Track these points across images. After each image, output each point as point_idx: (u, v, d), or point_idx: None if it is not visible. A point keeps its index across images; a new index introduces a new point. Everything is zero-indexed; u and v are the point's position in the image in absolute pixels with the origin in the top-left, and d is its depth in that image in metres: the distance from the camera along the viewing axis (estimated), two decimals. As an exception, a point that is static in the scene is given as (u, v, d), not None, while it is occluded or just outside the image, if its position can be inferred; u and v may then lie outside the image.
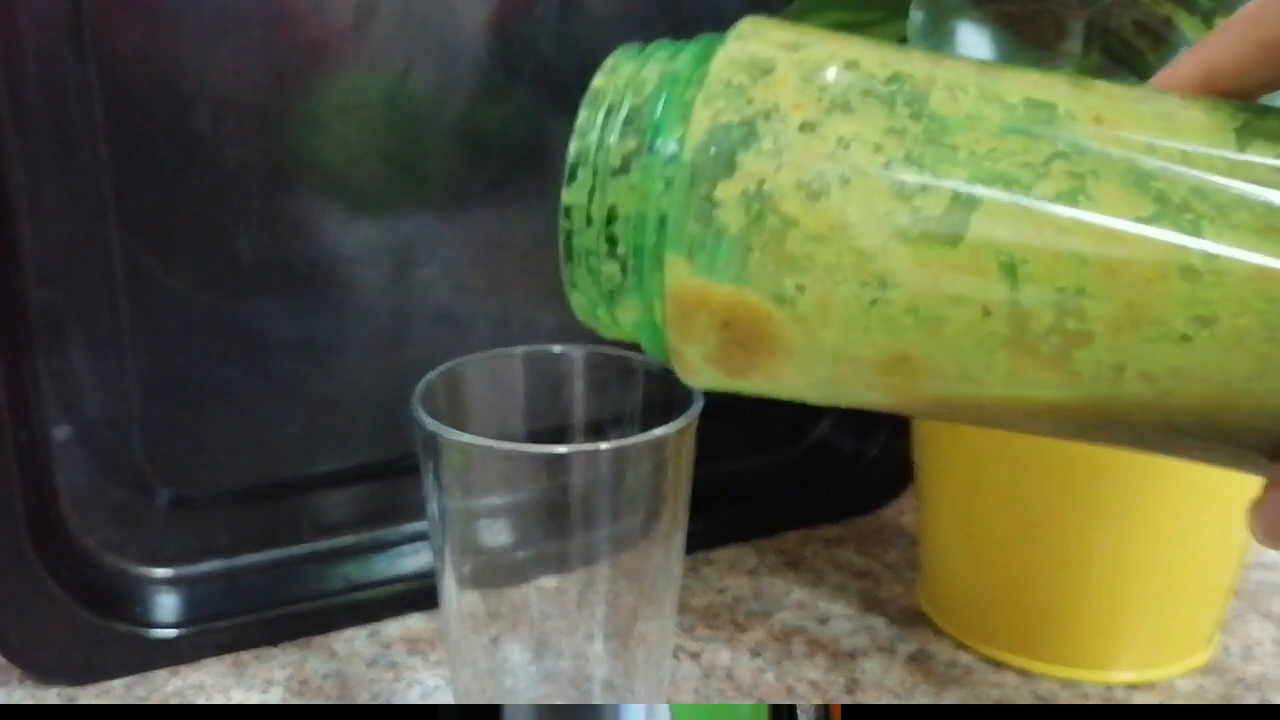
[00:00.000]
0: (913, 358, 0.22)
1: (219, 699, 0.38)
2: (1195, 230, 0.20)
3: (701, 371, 0.24)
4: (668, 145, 0.22)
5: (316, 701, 0.38)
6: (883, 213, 0.21)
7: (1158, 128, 0.21)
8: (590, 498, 0.31)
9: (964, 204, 0.21)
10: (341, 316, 0.42)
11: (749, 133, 0.21)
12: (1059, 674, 0.40)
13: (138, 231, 0.39)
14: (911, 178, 0.21)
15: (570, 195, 0.23)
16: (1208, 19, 0.30)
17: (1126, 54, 0.30)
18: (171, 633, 0.40)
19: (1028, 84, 0.22)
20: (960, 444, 0.40)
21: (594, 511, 0.31)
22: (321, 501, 0.44)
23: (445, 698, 0.39)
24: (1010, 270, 0.20)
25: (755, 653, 0.41)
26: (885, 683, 0.40)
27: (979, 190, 0.21)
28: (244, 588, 0.43)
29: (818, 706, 0.31)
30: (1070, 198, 0.20)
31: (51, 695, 0.39)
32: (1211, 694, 0.39)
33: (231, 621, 0.41)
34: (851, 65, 0.22)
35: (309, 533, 0.44)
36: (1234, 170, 0.20)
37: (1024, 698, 0.39)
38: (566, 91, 0.41)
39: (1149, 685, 0.40)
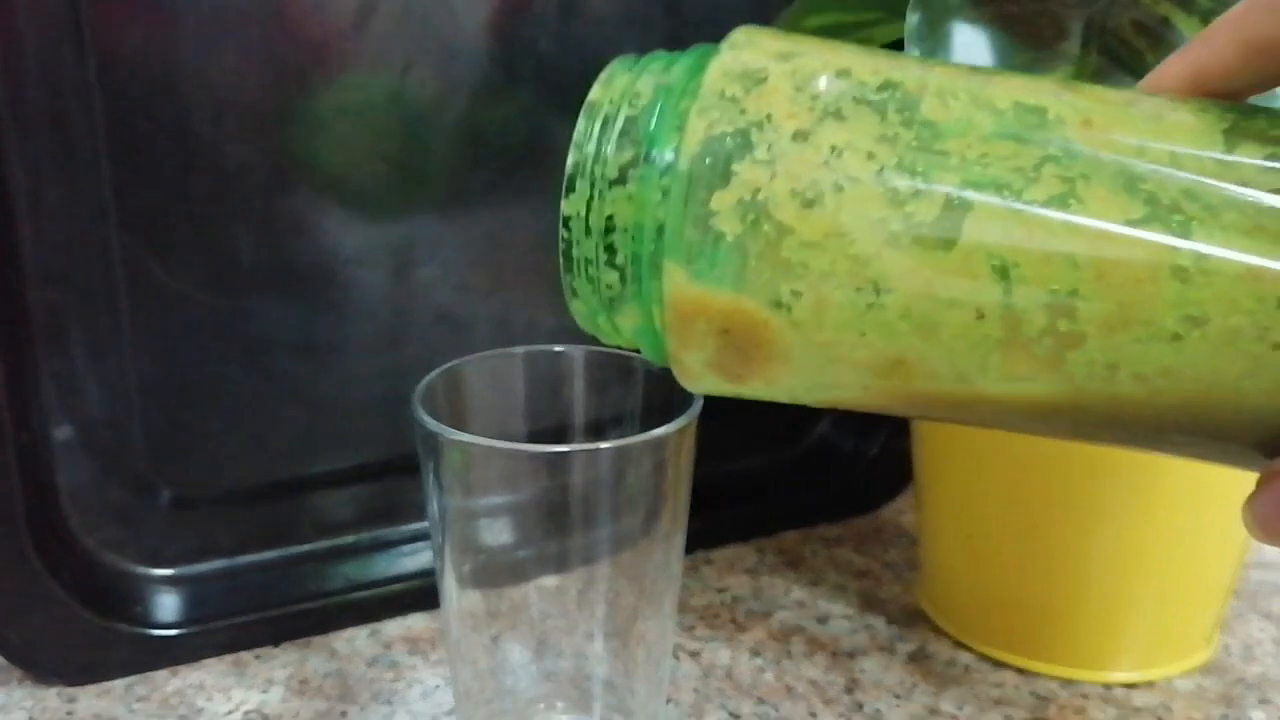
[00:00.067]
0: (908, 361, 0.22)
1: (219, 699, 0.39)
2: (1185, 231, 0.20)
3: (702, 377, 0.24)
4: (664, 156, 0.23)
5: (317, 701, 0.38)
6: (876, 219, 0.21)
7: (1147, 130, 0.21)
8: (590, 497, 0.31)
9: (956, 209, 0.21)
10: (341, 316, 0.42)
11: (743, 142, 0.22)
12: (1059, 674, 0.40)
13: (138, 231, 0.39)
14: (904, 184, 0.21)
15: (569, 206, 0.24)
16: (1206, 19, 0.30)
17: (1125, 54, 0.30)
18: (172, 633, 0.40)
19: (1018, 89, 0.22)
20: (960, 444, 0.40)
21: (594, 511, 0.31)
22: (322, 501, 0.44)
23: (446, 697, 0.39)
24: (1003, 273, 0.21)
25: (755, 652, 0.41)
26: (885, 682, 0.40)
27: (971, 195, 0.21)
28: (244, 587, 0.43)
29: None
30: (1061, 201, 0.21)
31: (51, 695, 0.39)
32: (1211, 694, 0.39)
33: (232, 621, 0.41)
34: (843, 73, 0.22)
35: (309, 532, 0.44)
36: (1223, 171, 0.20)
37: (1024, 697, 0.39)
38: (566, 91, 0.41)
39: (1149, 685, 0.40)
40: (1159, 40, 0.30)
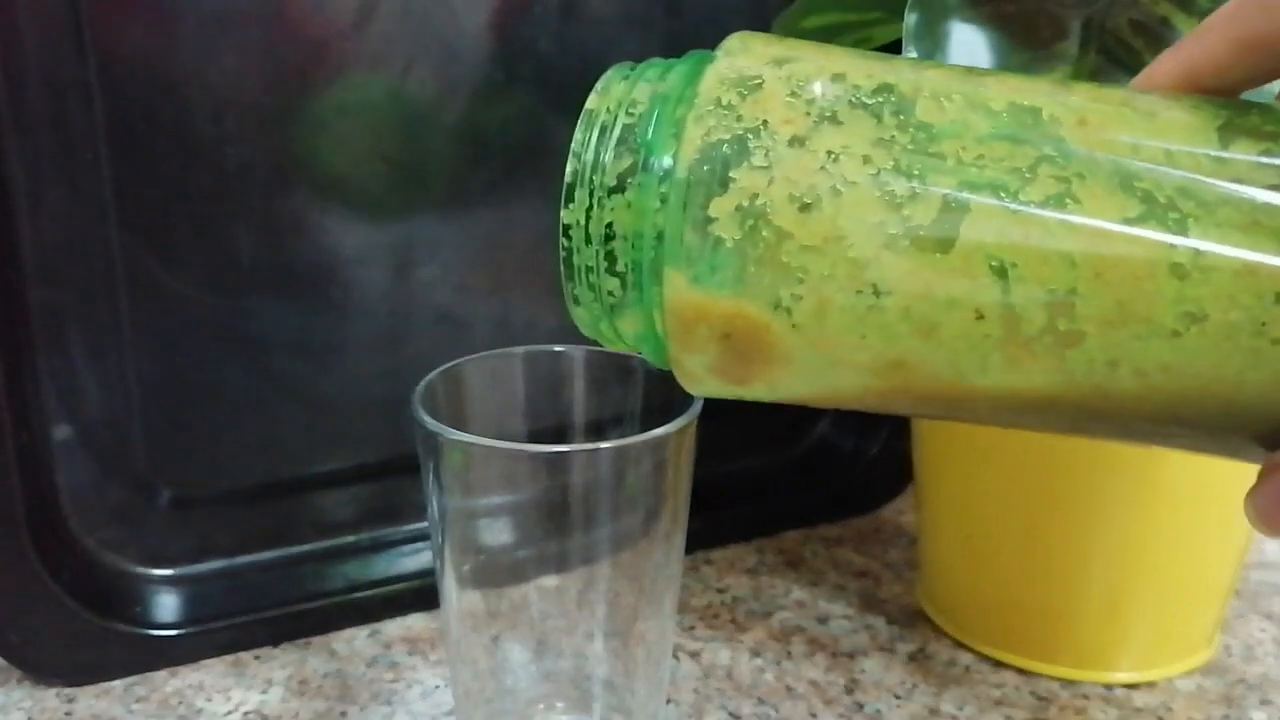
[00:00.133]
0: (909, 362, 0.22)
1: (219, 699, 0.39)
2: (1182, 229, 0.20)
3: (704, 381, 0.24)
4: (662, 163, 0.23)
5: (316, 702, 0.38)
6: (874, 222, 0.21)
7: (1141, 128, 0.21)
8: (590, 497, 0.31)
9: (954, 210, 0.21)
10: (341, 316, 0.42)
11: (740, 149, 0.22)
12: (1059, 674, 0.40)
13: (138, 231, 0.39)
14: (901, 187, 0.21)
15: (568, 215, 0.24)
16: (1205, 18, 0.30)
17: (1124, 54, 0.30)
18: (171, 633, 0.40)
19: (1012, 89, 0.22)
20: (960, 444, 0.40)
21: (594, 511, 0.31)
22: (322, 501, 0.44)
23: (446, 697, 0.39)
24: (1001, 274, 0.21)
25: (755, 652, 0.41)
26: (885, 682, 0.40)
27: (968, 196, 0.21)
28: (244, 588, 0.43)
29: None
30: (1058, 201, 0.21)
31: (50, 695, 0.39)
32: (1212, 694, 0.39)
33: (231, 621, 0.41)
34: (838, 78, 0.22)
35: (309, 533, 0.44)
36: (1218, 168, 0.21)
37: (1024, 698, 0.39)
38: (566, 91, 0.41)
39: (1149, 685, 0.40)
40: (1158, 40, 0.30)
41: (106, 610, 0.40)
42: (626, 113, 0.24)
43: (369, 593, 0.43)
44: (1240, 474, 0.23)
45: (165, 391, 0.41)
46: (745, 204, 0.22)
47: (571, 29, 0.43)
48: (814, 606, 0.45)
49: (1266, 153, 0.21)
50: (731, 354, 0.23)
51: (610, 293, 0.24)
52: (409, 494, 0.45)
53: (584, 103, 0.25)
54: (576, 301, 0.25)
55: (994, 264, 0.21)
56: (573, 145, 0.24)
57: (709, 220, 0.22)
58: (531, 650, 0.34)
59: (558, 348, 0.36)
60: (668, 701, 0.38)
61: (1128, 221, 0.20)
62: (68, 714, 0.38)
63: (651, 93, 0.24)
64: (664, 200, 0.22)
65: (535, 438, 0.35)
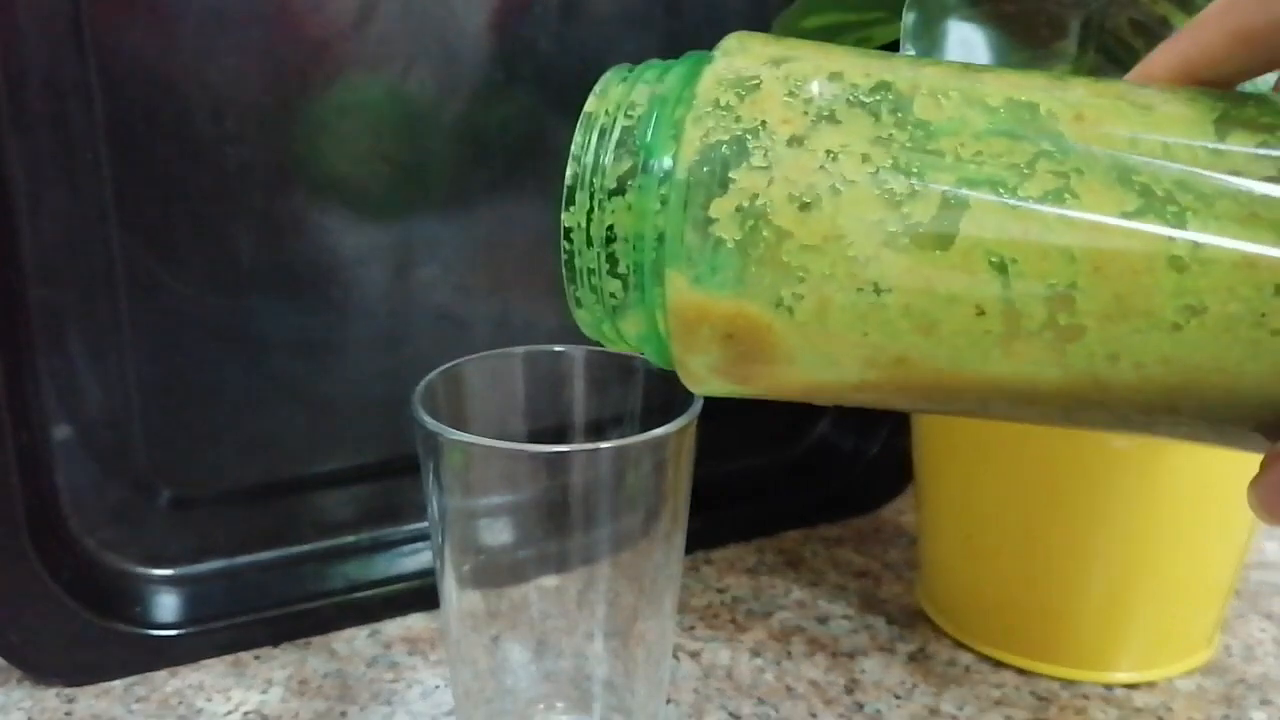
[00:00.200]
0: (910, 358, 0.22)
1: (218, 699, 0.39)
2: (1180, 222, 0.20)
3: (707, 381, 0.24)
4: (661, 165, 0.23)
5: (316, 702, 0.38)
6: (874, 220, 0.21)
7: (1138, 122, 0.21)
8: (590, 497, 0.31)
9: (953, 207, 0.21)
10: (341, 316, 0.42)
11: (739, 149, 0.22)
12: (1059, 674, 0.40)
13: (138, 231, 0.39)
14: (900, 184, 0.21)
15: (569, 218, 0.24)
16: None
17: (1123, 53, 0.30)
18: (171, 633, 0.40)
19: (1009, 85, 0.22)
20: (960, 444, 0.40)
21: (594, 511, 0.31)
22: (322, 501, 0.44)
23: (446, 697, 0.39)
24: (1001, 270, 0.21)
25: (755, 652, 0.41)
26: (885, 682, 0.40)
27: (967, 193, 0.21)
28: (244, 588, 0.43)
29: None
30: (1056, 196, 0.21)
31: (50, 695, 0.39)
32: (1212, 694, 0.39)
33: (231, 621, 0.41)
34: (836, 77, 0.23)
35: (309, 533, 0.44)
36: (1215, 160, 0.21)
37: (1024, 698, 0.39)
38: (566, 91, 0.41)
39: (1150, 685, 0.40)
40: (1157, 39, 0.30)
41: (106, 610, 0.40)
42: (625, 115, 0.24)
43: (369, 593, 0.43)
44: (1240, 474, 0.23)
45: (165, 391, 0.41)
46: (745, 204, 0.22)
47: (571, 29, 0.43)
48: (814, 606, 0.45)
49: (1264, 144, 0.21)
50: (734, 354, 0.23)
51: (612, 295, 0.24)
52: (409, 494, 0.45)
53: (584, 103, 0.25)
54: (579, 304, 0.25)
55: (994, 260, 0.21)
56: (572, 148, 0.24)
57: (709, 221, 0.22)
58: (531, 650, 0.34)
59: (558, 348, 0.36)
60: (668, 701, 0.38)
61: (1126, 215, 0.20)
62: (68, 714, 0.38)
63: (650, 94, 0.24)
64: (664, 202, 0.22)
65: (535, 438, 0.35)
